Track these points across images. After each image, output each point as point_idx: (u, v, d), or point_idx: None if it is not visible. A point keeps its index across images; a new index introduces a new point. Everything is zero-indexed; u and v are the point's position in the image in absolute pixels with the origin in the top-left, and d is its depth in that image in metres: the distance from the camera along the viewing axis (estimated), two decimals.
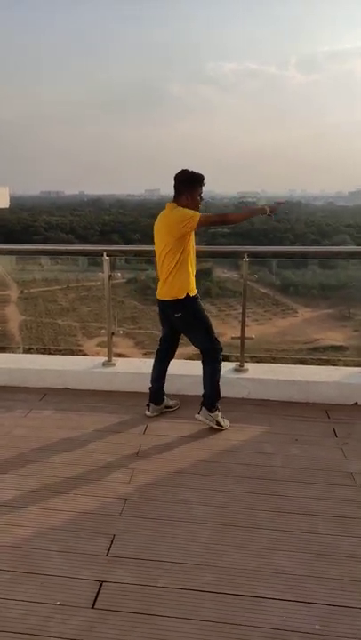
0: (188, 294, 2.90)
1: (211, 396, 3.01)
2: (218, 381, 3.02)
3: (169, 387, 3.25)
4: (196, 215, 2.78)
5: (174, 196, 2.91)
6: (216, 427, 2.98)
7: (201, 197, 2.93)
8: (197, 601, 1.78)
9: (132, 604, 1.77)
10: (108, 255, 3.68)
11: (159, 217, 2.98)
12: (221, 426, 2.99)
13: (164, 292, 2.96)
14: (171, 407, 3.26)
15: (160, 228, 2.93)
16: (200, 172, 2.89)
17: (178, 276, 2.89)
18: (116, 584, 1.86)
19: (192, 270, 2.95)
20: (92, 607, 1.76)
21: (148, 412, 3.18)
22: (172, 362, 3.25)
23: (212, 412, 3.00)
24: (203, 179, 2.89)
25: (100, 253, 3.75)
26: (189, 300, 2.92)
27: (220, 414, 3.02)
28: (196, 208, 2.86)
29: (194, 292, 2.94)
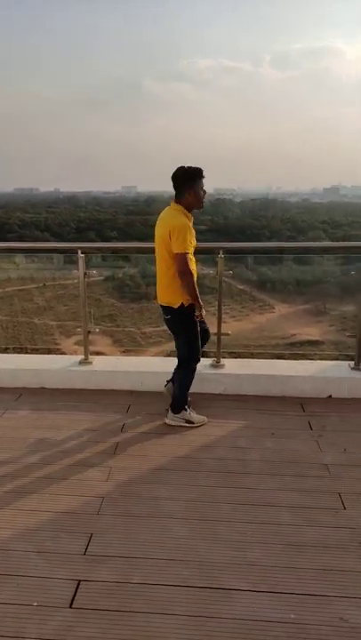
0: (182, 304, 2.87)
1: (177, 400, 3.04)
2: (187, 387, 3.05)
3: (146, 384, 3.25)
4: (185, 253, 2.74)
5: (175, 196, 2.84)
6: (187, 425, 3.00)
7: (204, 191, 2.85)
8: (172, 596, 1.80)
9: (110, 601, 1.77)
10: (82, 252, 3.64)
11: (160, 217, 2.91)
12: (193, 423, 3.01)
13: (159, 295, 2.97)
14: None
15: (158, 232, 2.86)
16: (197, 166, 2.82)
17: (172, 284, 2.85)
18: (94, 582, 1.85)
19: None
20: (70, 607, 1.75)
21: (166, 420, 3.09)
22: (150, 359, 3.26)
23: (178, 414, 3.02)
24: (201, 171, 2.81)
25: (74, 251, 3.71)
26: (182, 310, 2.88)
27: (189, 412, 3.04)
28: (200, 203, 2.83)
29: (188, 302, 2.87)
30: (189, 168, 2.80)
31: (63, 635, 1.64)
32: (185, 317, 2.90)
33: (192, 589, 1.82)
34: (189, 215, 2.85)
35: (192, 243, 2.82)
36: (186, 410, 3.04)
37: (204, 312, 2.94)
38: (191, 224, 2.83)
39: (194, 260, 2.86)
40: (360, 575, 1.88)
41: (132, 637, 1.63)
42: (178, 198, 2.83)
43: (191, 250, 2.81)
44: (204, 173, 2.82)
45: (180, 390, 3.05)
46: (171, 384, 3.20)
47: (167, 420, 3.05)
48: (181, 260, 2.74)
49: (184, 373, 3.05)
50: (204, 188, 2.85)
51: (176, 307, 2.88)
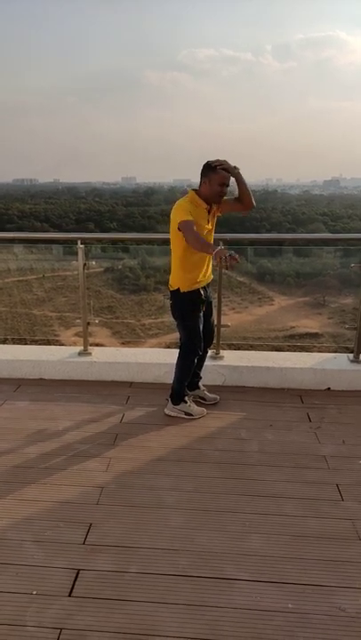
0: (179, 288, 2.87)
1: (176, 391, 3.04)
2: (183, 379, 3.03)
3: (145, 375, 3.25)
4: (184, 220, 2.69)
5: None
6: (186, 417, 3.01)
7: (223, 186, 2.78)
8: (172, 585, 1.81)
9: (109, 590, 1.78)
10: (82, 243, 3.63)
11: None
12: (192, 415, 3.01)
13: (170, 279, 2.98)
14: (203, 399, 3.21)
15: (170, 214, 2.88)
16: (221, 161, 2.76)
17: (176, 269, 2.87)
18: (93, 572, 1.86)
19: (194, 268, 2.85)
20: (69, 595, 1.76)
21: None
22: (149, 350, 3.25)
23: (178, 405, 3.03)
24: (216, 166, 2.76)
25: (74, 241, 3.70)
26: (179, 294, 2.88)
27: (189, 404, 3.04)
28: (215, 196, 2.79)
29: (187, 287, 2.86)
30: (209, 161, 2.79)
31: (62, 623, 1.65)
32: (182, 303, 2.90)
33: (191, 579, 1.83)
34: (200, 202, 2.81)
35: (200, 223, 2.77)
36: (185, 402, 3.04)
37: (225, 252, 2.48)
38: (205, 213, 2.82)
39: (197, 257, 2.82)
40: (359, 565, 1.90)
41: (131, 626, 1.65)
42: (199, 186, 2.86)
43: (201, 231, 2.77)
44: (220, 167, 2.74)
45: (177, 382, 3.03)
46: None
47: (166, 411, 3.05)
48: (183, 225, 2.68)
49: (180, 364, 3.02)
50: (224, 182, 2.77)
51: (173, 289, 2.90)
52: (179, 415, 3.02)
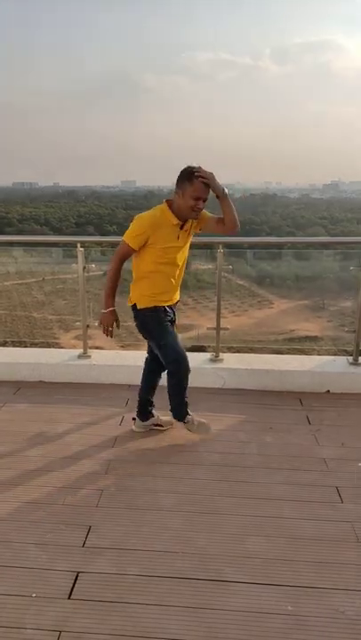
0: (135, 304, 2.60)
1: (177, 410, 2.74)
2: (179, 396, 2.70)
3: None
4: (125, 243, 2.47)
5: None
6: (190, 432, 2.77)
7: (201, 199, 2.40)
8: (170, 587, 1.81)
9: (108, 593, 1.78)
10: (82, 246, 3.64)
11: None
12: (191, 425, 2.76)
13: None
14: (160, 425, 2.89)
15: None
16: (196, 166, 2.39)
17: (135, 284, 2.61)
18: (93, 574, 1.86)
19: (152, 287, 2.56)
20: (69, 598, 1.76)
21: (133, 427, 2.90)
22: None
23: (184, 419, 2.75)
24: (192, 174, 2.37)
25: (73, 244, 3.71)
26: (136, 311, 2.61)
27: (191, 422, 2.75)
28: (188, 211, 2.43)
29: (145, 304, 2.58)
30: (189, 167, 2.42)
31: (61, 625, 1.65)
32: (143, 320, 2.61)
33: (190, 581, 1.83)
34: (169, 217, 2.45)
35: (165, 241, 2.47)
36: (186, 421, 2.75)
37: (111, 319, 2.54)
38: (174, 229, 2.48)
39: (169, 259, 2.52)
40: (358, 568, 1.90)
41: (130, 628, 1.65)
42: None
43: (166, 256, 2.49)
44: (197, 179, 2.37)
45: (172, 400, 2.72)
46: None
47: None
48: (119, 248, 2.50)
49: (170, 383, 2.67)
50: (200, 196, 2.38)
51: (130, 304, 2.63)
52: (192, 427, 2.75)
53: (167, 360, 2.61)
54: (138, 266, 2.56)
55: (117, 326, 2.62)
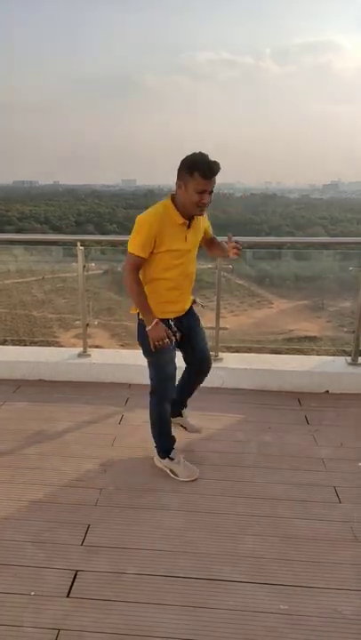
0: (138, 312, 2.33)
1: (156, 443, 2.50)
2: (157, 426, 2.46)
3: (144, 377, 3.24)
4: (132, 254, 2.17)
5: None
6: (171, 475, 2.45)
7: (206, 191, 2.09)
8: (168, 586, 1.81)
9: (107, 591, 1.79)
10: (82, 245, 3.64)
11: None
12: (177, 476, 2.42)
13: None
14: (185, 428, 2.80)
15: None
16: (203, 158, 2.06)
17: (150, 289, 2.29)
18: (91, 573, 1.87)
19: (155, 296, 2.26)
20: (67, 596, 1.77)
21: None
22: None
23: (163, 460, 2.48)
24: (193, 164, 2.05)
25: (73, 243, 3.71)
26: (138, 319, 2.35)
27: (177, 461, 2.45)
28: (192, 207, 2.12)
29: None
30: (189, 156, 2.09)
31: (60, 624, 1.66)
32: (142, 330, 2.30)
33: (188, 580, 1.84)
34: (174, 216, 2.16)
35: (172, 244, 2.18)
36: (172, 458, 2.46)
37: (161, 332, 2.20)
38: (181, 229, 2.19)
39: (176, 264, 2.24)
40: (355, 568, 1.91)
41: (129, 627, 1.65)
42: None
43: (172, 261, 2.21)
44: (206, 171, 2.05)
45: (154, 433, 2.49)
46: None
47: (155, 460, 2.54)
48: (127, 261, 2.19)
49: (152, 411, 2.46)
50: (204, 189, 2.07)
51: (133, 312, 2.37)
52: (165, 470, 2.48)
53: (157, 383, 2.41)
54: (143, 270, 2.25)
55: (174, 335, 2.31)
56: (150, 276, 2.26)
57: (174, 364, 2.40)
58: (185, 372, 2.67)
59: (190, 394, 2.75)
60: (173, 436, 2.53)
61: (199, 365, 2.59)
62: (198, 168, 2.04)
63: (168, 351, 2.32)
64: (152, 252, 2.18)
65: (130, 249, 2.18)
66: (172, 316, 2.34)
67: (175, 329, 2.36)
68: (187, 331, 2.44)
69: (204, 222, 2.38)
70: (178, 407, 2.78)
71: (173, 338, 2.32)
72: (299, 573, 1.88)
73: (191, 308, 2.49)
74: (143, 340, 2.31)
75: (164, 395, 2.43)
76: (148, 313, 2.23)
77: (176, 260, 2.22)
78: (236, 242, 2.25)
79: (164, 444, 2.49)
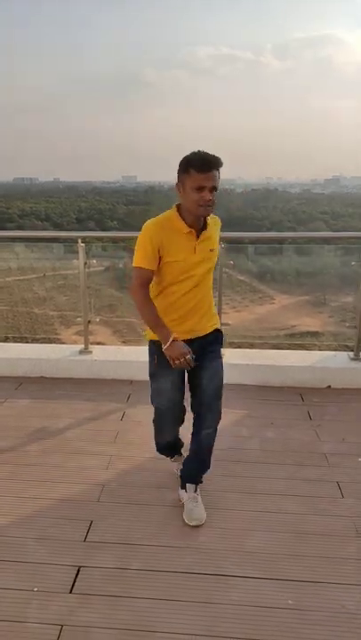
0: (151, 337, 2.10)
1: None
2: (157, 446, 2.32)
3: (146, 373, 3.24)
4: (138, 268, 1.96)
5: None
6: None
7: (208, 189, 1.86)
8: (173, 582, 1.81)
9: (110, 587, 1.79)
10: (83, 242, 3.63)
11: None
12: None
13: None
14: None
15: None
16: (197, 153, 1.89)
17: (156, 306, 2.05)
18: (94, 568, 1.87)
19: (163, 314, 2.01)
20: (70, 592, 1.77)
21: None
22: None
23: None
24: (187, 163, 1.88)
25: (74, 240, 3.70)
26: (149, 343, 2.13)
27: (182, 493, 2.25)
28: (195, 208, 1.90)
29: (151, 334, 2.06)
30: (185, 156, 1.92)
31: (63, 619, 1.66)
32: (149, 349, 2.13)
33: (193, 575, 1.84)
34: (178, 224, 1.95)
35: (178, 255, 1.94)
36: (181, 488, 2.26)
37: (180, 349, 1.92)
38: (187, 238, 1.95)
39: (182, 278, 1.99)
40: (358, 562, 1.90)
41: (133, 622, 1.65)
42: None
43: (179, 274, 1.97)
44: (200, 165, 1.85)
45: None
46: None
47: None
48: (134, 275, 1.98)
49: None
50: (203, 185, 1.86)
51: (146, 339, 2.14)
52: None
53: (154, 413, 2.24)
54: (153, 283, 2.05)
55: (192, 355, 1.97)
56: (157, 290, 2.04)
57: (169, 396, 2.12)
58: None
59: (193, 467, 2.24)
60: (175, 457, 2.39)
61: (197, 412, 2.17)
62: (192, 163, 1.87)
63: (163, 380, 2.09)
64: (160, 264, 1.97)
65: (133, 263, 1.98)
66: (177, 337, 1.98)
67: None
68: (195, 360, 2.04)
69: (217, 238, 2.08)
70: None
71: (194, 357, 1.97)
72: (305, 568, 1.88)
73: (212, 338, 2.13)
74: (150, 359, 2.13)
75: (160, 430, 2.26)
76: (163, 328, 1.96)
77: (185, 273, 1.97)
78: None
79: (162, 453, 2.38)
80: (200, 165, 1.86)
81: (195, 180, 1.86)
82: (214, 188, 1.89)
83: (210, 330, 2.11)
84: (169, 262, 1.95)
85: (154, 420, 2.26)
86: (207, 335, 2.10)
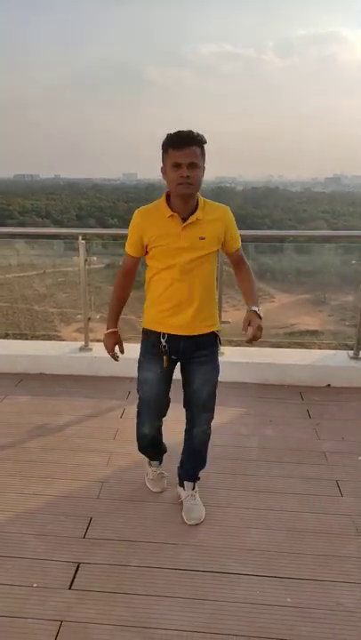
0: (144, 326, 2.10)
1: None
2: (139, 445, 2.30)
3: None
4: (124, 255, 2.05)
5: None
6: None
7: (183, 165, 1.78)
8: (172, 579, 1.82)
9: (109, 583, 1.80)
10: (83, 238, 3.63)
11: None
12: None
13: None
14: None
15: None
16: (176, 132, 1.83)
17: (148, 296, 2.07)
18: (93, 565, 1.88)
19: (155, 304, 2.02)
20: (70, 588, 1.78)
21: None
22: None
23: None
24: (166, 140, 1.83)
25: (75, 237, 3.70)
26: (142, 331, 2.13)
27: (150, 471, 2.36)
28: (172, 186, 1.84)
29: (145, 323, 2.09)
30: (166, 136, 1.86)
31: (62, 615, 1.67)
32: (142, 338, 2.15)
33: (191, 573, 1.85)
34: (163, 208, 1.91)
35: (162, 239, 1.90)
36: (150, 464, 2.37)
37: (106, 343, 2.09)
38: (172, 223, 1.89)
39: (168, 264, 1.92)
40: (357, 561, 1.91)
41: (132, 619, 1.66)
42: None
43: (163, 259, 1.92)
44: (176, 141, 1.80)
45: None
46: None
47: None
48: (123, 265, 2.08)
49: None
50: (179, 162, 1.78)
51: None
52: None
53: (137, 392, 2.22)
54: (147, 270, 2.05)
55: (121, 350, 2.14)
56: (149, 277, 2.03)
57: (152, 387, 2.11)
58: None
59: (188, 465, 2.23)
60: (150, 454, 2.35)
61: (190, 410, 2.15)
62: (169, 141, 1.82)
63: (147, 369, 2.10)
64: (148, 249, 1.97)
65: (126, 247, 2.04)
66: (165, 330, 1.98)
67: (165, 347, 1.99)
68: (185, 359, 2.05)
69: (218, 229, 1.95)
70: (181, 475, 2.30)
71: (118, 356, 2.12)
72: (304, 566, 1.88)
73: (206, 340, 2.04)
74: (140, 348, 2.15)
75: (140, 421, 2.22)
76: (110, 317, 2.12)
77: (170, 259, 1.90)
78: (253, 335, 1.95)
79: (142, 451, 2.33)
80: (176, 142, 1.80)
81: (171, 158, 1.81)
82: (193, 165, 1.80)
83: (205, 331, 2.00)
84: (154, 247, 1.93)
85: (137, 411, 2.22)
86: (202, 336, 2.01)
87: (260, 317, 1.97)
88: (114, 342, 2.11)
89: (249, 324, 1.94)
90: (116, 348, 2.13)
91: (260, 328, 1.95)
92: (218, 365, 2.14)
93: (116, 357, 2.14)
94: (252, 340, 1.96)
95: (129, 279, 2.10)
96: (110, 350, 2.12)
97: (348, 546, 1.98)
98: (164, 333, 1.99)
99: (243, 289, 2.11)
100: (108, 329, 2.12)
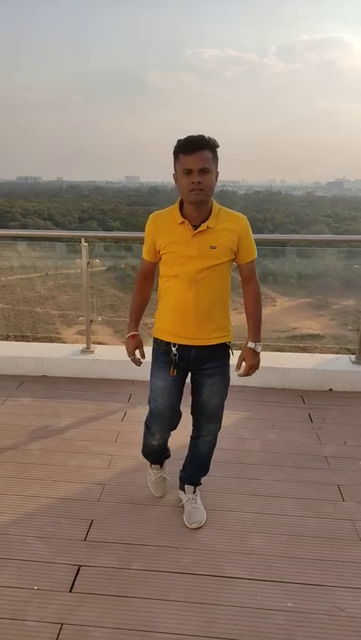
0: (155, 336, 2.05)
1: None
2: (144, 450, 2.28)
3: (147, 374, 3.25)
4: (142, 260, 2.05)
5: None
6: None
7: (194, 171, 1.75)
8: (172, 582, 1.82)
9: (110, 586, 1.79)
10: (86, 241, 3.64)
11: None
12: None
13: None
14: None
15: None
16: (189, 136, 1.79)
17: (159, 303, 2.03)
18: (94, 568, 1.87)
19: (164, 312, 1.99)
20: (70, 591, 1.77)
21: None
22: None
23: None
24: (176, 147, 1.80)
25: (77, 239, 3.71)
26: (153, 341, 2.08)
27: (152, 474, 2.35)
28: (184, 193, 1.81)
29: (154, 331, 2.05)
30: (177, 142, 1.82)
31: (63, 618, 1.66)
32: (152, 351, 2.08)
33: (192, 576, 1.84)
34: (175, 215, 1.87)
35: (172, 246, 1.87)
36: (152, 466, 2.35)
37: (128, 347, 2.07)
38: (183, 229, 1.85)
39: (176, 273, 1.88)
40: (359, 566, 1.90)
41: (132, 622, 1.66)
42: None
43: (172, 267, 1.89)
44: (185, 146, 1.77)
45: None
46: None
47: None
48: (142, 266, 2.07)
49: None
50: (189, 168, 1.75)
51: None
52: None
53: (148, 403, 2.15)
54: (160, 276, 2.02)
55: (142, 355, 2.09)
56: (162, 284, 1.99)
57: (164, 398, 2.03)
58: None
59: (191, 470, 2.22)
60: (155, 466, 2.33)
61: (198, 419, 2.13)
62: (179, 147, 1.79)
63: (158, 378, 2.03)
64: (160, 256, 1.95)
65: (143, 253, 2.04)
66: (174, 340, 1.94)
67: (176, 356, 1.94)
68: (195, 369, 2.01)
69: (229, 238, 1.88)
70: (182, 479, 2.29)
71: (139, 360, 2.08)
72: (305, 571, 1.88)
73: (217, 351, 1.99)
74: (151, 358, 2.09)
75: (148, 424, 2.15)
76: (131, 320, 2.10)
77: (179, 266, 1.87)
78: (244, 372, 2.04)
79: (147, 457, 2.32)
80: (186, 147, 1.76)
81: (182, 163, 1.77)
82: (204, 170, 1.75)
83: (214, 342, 1.95)
84: (165, 254, 1.90)
85: (146, 421, 2.17)
86: (212, 347, 1.95)
87: (258, 353, 1.99)
88: (134, 346, 2.09)
89: (244, 360, 1.98)
90: (137, 352, 2.09)
91: (253, 367, 1.99)
92: (228, 377, 2.09)
93: (137, 362, 2.10)
94: (245, 376, 2.00)
95: (147, 283, 2.09)
96: (131, 354, 2.10)
97: (349, 551, 1.98)
98: (174, 343, 1.95)
99: (246, 313, 2.05)
100: (128, 333, 2.11)
